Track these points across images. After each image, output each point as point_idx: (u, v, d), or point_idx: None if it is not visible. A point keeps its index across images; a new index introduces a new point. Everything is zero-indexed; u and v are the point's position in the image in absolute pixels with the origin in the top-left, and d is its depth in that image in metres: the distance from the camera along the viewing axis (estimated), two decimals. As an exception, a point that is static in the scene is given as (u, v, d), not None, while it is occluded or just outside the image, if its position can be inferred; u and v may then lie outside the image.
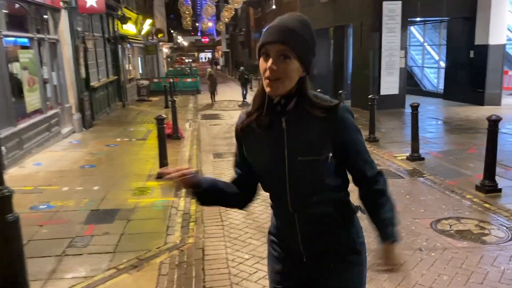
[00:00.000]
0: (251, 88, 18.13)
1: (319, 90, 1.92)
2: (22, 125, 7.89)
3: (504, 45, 13.54)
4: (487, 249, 3.96)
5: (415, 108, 7.15)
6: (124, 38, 17.41)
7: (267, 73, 1.48)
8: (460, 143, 8.41)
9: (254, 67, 26.67)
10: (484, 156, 5.37)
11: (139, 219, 4.96)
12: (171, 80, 20.04)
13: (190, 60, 72.33)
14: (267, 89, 1.51)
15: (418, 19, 14.98)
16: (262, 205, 5.10)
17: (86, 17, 12.29)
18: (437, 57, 17.09)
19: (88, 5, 10.98)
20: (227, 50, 53.38)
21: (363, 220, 1.70)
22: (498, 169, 5.57)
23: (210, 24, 57.23)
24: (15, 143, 7.49)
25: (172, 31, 59.27)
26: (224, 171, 7.02)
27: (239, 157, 1.73)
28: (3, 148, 6.86)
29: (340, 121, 1.54)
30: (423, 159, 7.14)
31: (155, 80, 21.38)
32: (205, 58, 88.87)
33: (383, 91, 13.22)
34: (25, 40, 9.03)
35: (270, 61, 1.47)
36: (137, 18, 20.63)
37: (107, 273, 3.68)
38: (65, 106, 10.44)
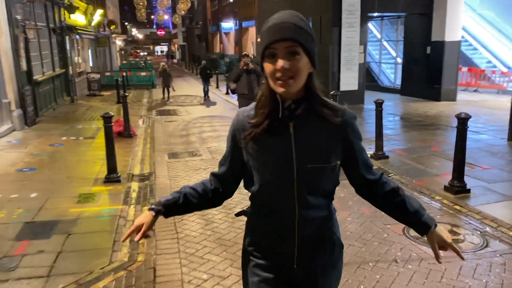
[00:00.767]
0: (210, 84, 17.22)
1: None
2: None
3: (459, 42, 13.75)
4: (465, 259, 3.68)
5: (379, 104, 6.92)
6: (72, 29, 16.29)
7: (278, 74, 1.42)
8: (423, 140, 8.29)
9: (212, 61, 25.97)
10: (449, 154, 5.18)
11: (81, 233, 4.34)
12: (124, 74, 19.12)
13: (146, 54, 70.50)
14: (280, 90, 1.44)
15: (375, 14, 14.96)
16: (222, 212, 4.63)
17: (26, 4, 11.24)
18: (394, 53, 17.24)
19: (28, -10, 10.04)
20: (184, 43, 52.30)
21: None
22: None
23: (165, 16, 55.91)
24: None
25: (126, 23, 57.50)
26: (179, 173, 6.48)
27: (231, 158, 1.65)
28: None
29: (350, 127, 1.56)
30: (387, 157, 6.94)
31: (107, 74, 20.36)
32: (161, 52, 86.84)
33: (343, 87, 13.09)
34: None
35: (280, 61, 1.41)
36: (86, 8, 19.50)
37: (37, 304, 3.09)
38: (2, 102, 9.49)
